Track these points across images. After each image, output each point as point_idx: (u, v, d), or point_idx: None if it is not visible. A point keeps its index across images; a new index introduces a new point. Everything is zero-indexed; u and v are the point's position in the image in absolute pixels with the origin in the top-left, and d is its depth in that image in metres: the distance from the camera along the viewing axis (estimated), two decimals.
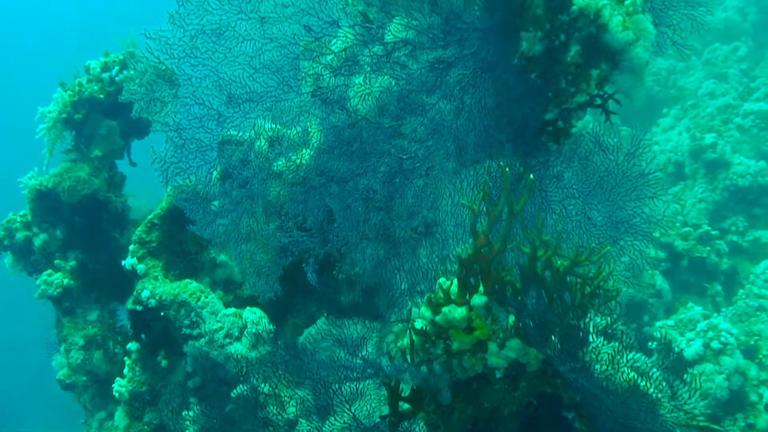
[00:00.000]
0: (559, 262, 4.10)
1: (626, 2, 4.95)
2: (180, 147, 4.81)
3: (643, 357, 4.66)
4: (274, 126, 4.85)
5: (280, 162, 4.93)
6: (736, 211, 15.38)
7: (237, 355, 6.13)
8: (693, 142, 16.05)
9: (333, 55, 4.73)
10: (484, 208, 4.18)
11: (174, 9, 4.58)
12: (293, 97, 4.82)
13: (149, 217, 6.74)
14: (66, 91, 7.89)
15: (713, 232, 13.73)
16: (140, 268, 6.65)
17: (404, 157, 4.86)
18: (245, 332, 6.24)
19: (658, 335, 9.98)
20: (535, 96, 5.10)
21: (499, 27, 4.92)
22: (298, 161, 4.88)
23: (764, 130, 17.11)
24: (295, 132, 4.86)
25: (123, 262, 6.83)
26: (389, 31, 4.72)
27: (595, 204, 5.06)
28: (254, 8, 4.69)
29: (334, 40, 4.71)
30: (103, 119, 8.00)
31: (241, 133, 4.81)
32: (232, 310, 6.38)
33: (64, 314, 8.06)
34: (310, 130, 4.89)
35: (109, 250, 8.23)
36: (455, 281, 4.33)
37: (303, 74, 4.80)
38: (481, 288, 4.27)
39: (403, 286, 4.61)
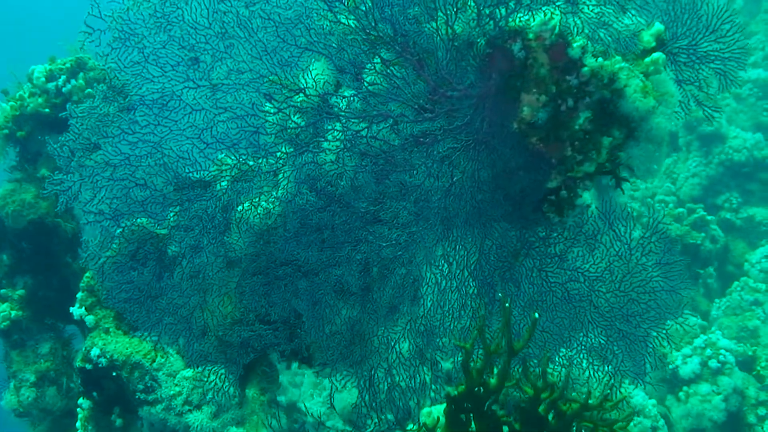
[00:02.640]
0: (566, 406, 3.46)
1: (646, 60, 4.21)
2: (118, 237, 4.08)
3: None
4: (231, 207, 4.12)
5: (237, 248, 4.21)
6: (730, 186, 14.82)
7: (197, 425, 5.51)
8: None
9: (299, 129, 3.97)
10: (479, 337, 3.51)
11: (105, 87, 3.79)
12: (252, 176, 4.08)
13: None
14: (8, 102, 7.02)
15: (708, 217, 13.12)
16: (89, 319, 5.96)
17: (384, 244, 4.16)
18: (206, 398, 5.61)
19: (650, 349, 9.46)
20: (536, 163, 4.39)
21: (495, 90, 4.16)
22: (259, 248, 4.17)
23: (762, 99, 16.37)
24: (255, 214, 4.13)
25: (71, 310, 6.13)
26: (367, 102, 3.96)
27: (602, 292, 4.41)
28: (204, 75, 3.90)
29: (299, 114, 3.95)
30: (51, 135, 7.16)
31: (188, 219, 4.07)
32: (191, 371, 5.73)
33: (12, 347, 7.38)
34: (273, 212, 4.16)
35: (61, 276, 7.50)
36: (441, 413, 3.70)
37: (263, 150, 4.05)
38: (473, 426, 3.64)
39: (385, 417, 3.96)
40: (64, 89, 7.04)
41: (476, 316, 4.54)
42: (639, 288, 4.30)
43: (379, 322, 4.24)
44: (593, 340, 4.48)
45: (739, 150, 14.57)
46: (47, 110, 7.03)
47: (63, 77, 7.08)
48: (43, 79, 7.09)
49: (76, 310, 6.01)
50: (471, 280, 4.49)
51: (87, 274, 6.04)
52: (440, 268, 4.36)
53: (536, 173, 4.41)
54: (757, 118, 16.09)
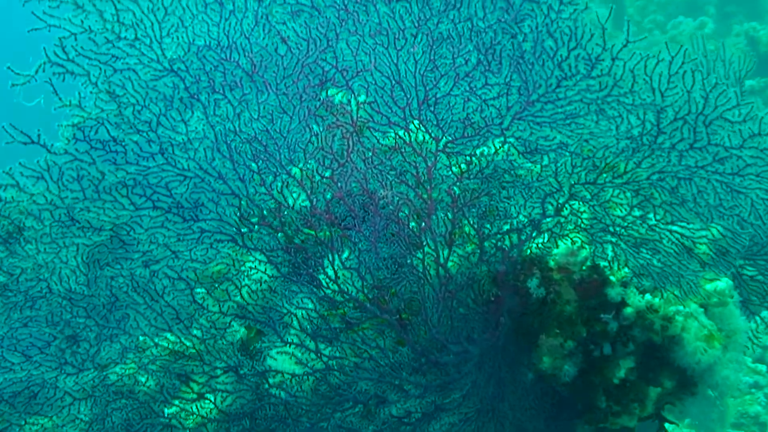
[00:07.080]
0: None
1: (708, 287, 3.08)
2: None
3: None
4: None
5: None
6: None
7: None
8: None
9: (225, 374, 2.78)
10: None
11: None
12: None
13: None
14: None
15: None
16: None
17: None
18: None
19: None
20: (558, 411, 3.26)
21: (506, 338, 3.00)
22: None
23: None
24: None
25: None
26: (326, 382, 2.77)
27: None
28: (87, 357, 2.66)
29: (224, 360, 2.77)
30: None
31: None
32: None
33: None
34: None
35: None
36: None
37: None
38: None
39: None
40: None
41: None
42: None
43: None
44: None
45: None
46: None
47: None
48: None
49: None
50: None
51: None
52: None
53: (557, 422, 3.28)
54: None
